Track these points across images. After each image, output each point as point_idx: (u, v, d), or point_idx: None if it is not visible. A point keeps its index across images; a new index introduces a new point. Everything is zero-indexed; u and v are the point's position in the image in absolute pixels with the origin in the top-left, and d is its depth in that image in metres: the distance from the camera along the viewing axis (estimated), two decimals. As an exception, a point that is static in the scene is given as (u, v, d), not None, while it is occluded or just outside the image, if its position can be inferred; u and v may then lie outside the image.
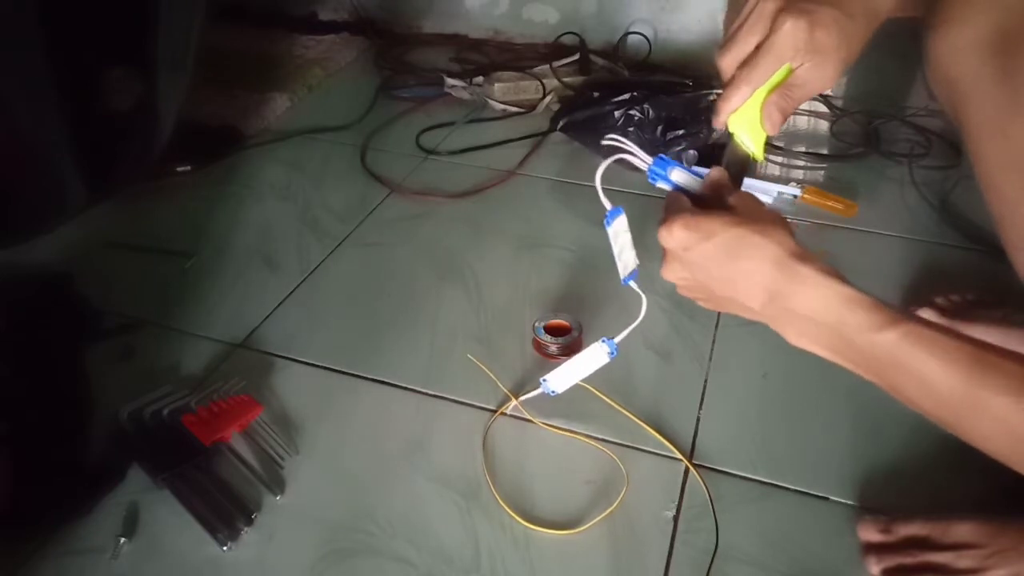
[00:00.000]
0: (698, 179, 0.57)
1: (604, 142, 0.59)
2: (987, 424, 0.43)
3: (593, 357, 0.71)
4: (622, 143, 0.57)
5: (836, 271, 0.48)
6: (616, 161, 0.57)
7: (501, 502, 0.69)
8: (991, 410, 0.42)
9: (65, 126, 0.75)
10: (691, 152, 1.15)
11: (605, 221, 0.60)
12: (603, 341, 0.69)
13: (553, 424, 0.77)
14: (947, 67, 0.47)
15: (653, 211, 1.14)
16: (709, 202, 0.53)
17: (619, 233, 0.61)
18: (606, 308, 0.91)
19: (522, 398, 0.78)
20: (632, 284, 0.63)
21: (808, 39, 0.50)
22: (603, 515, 0.68)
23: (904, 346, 0.44)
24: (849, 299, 0.46)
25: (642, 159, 0.58)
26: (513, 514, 0.68)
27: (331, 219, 1.09)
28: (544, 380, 0.70)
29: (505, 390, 0.80)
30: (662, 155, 0.58)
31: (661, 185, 0.58)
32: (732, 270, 0.49)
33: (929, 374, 0.44)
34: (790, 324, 0.49)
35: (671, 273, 0.54)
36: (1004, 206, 0.47)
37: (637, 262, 0.62)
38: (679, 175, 0.57)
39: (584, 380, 0.74)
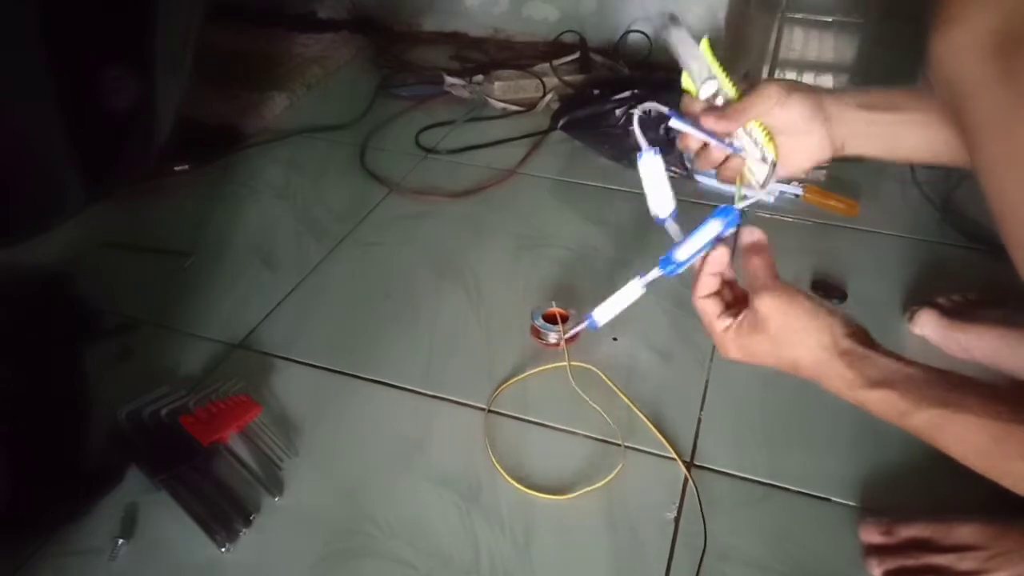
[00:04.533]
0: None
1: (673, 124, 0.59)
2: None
3: (632, 290, 0.66)
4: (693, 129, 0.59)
5: (862, 369, 0.52)
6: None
7: (507, 477, 0.69)
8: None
9: (63, 125, 0.74)
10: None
11: (637, 158, 0.60)
12: (639, 276, 0.63)
13: (553, 424, 0.77)
14: (949, 66, 0.47)
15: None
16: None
17: (652, 174, 0.60)
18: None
19: (568, 334, 0.81)
20: (670, 224, 0.61)
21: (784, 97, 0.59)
22: (603, 515, 0.68)
23: (929, 430, 0.49)
24: (871, 396, 0.51)
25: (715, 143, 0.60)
26: (520, 485, 0.68)
27: (330, 219, 1.09)
28: (589, 316, 0.66)
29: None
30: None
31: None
32: (781, 355, 0.55)
33: (959, 452, 0.49)
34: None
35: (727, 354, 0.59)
36: (1006, 206, 0.47)
37: (674, 205, 0.61)
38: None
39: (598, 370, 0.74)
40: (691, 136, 0.60)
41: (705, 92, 0.60)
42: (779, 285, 0.54)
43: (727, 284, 0.60)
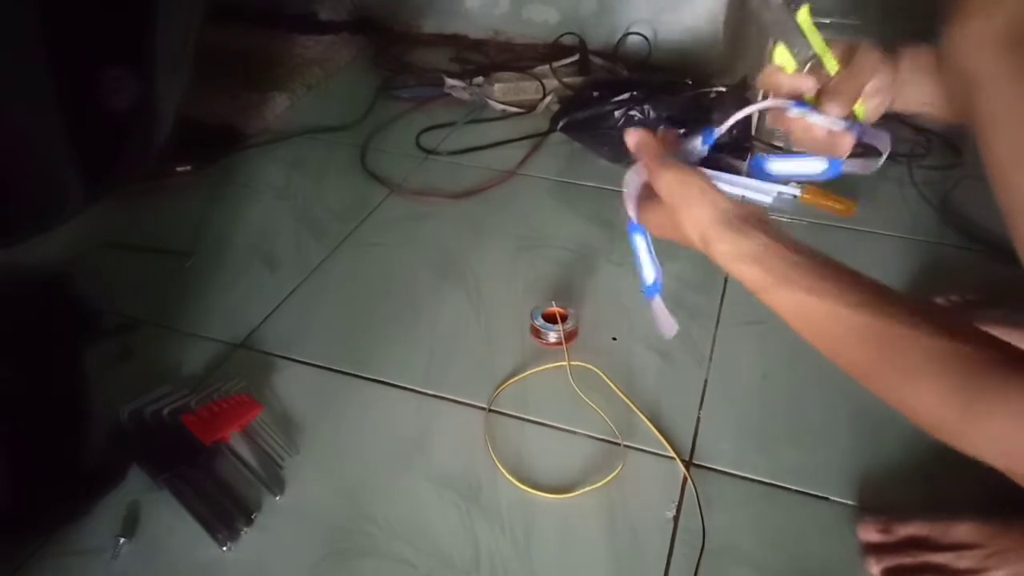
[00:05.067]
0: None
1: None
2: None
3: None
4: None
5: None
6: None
7: (507, 476, 0.69)
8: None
9: (63, 126, 0.74)
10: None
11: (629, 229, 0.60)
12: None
13: (553, 424, 0.77)
14: (962, 59, 0.47)
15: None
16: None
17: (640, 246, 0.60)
18: (605, 306, 0.91)
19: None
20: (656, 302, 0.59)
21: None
22: (603, 514, 0.68)
23: (790, 312, 0.48)
24: (743, 270, 0.50)
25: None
26: (520, 485, 0.68)
27: (331, 219, 1.09)
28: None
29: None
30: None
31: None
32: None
33: (820, 344, 0.47)
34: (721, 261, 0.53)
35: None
36: (1014, 201, 0.47)
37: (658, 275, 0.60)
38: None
39: (598, 369, 0.74)
40: (792, 119, 0.60)
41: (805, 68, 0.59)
42: (674, 163, 0.55)
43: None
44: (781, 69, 0.59)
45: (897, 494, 0.70)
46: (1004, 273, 0.53)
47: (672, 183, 0.53)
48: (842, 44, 0.60)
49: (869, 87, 0.58)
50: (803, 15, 0.57)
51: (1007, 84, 0.45)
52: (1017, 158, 0.46)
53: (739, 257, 0.49)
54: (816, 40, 0.58)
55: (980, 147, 0.48)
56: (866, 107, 0.60)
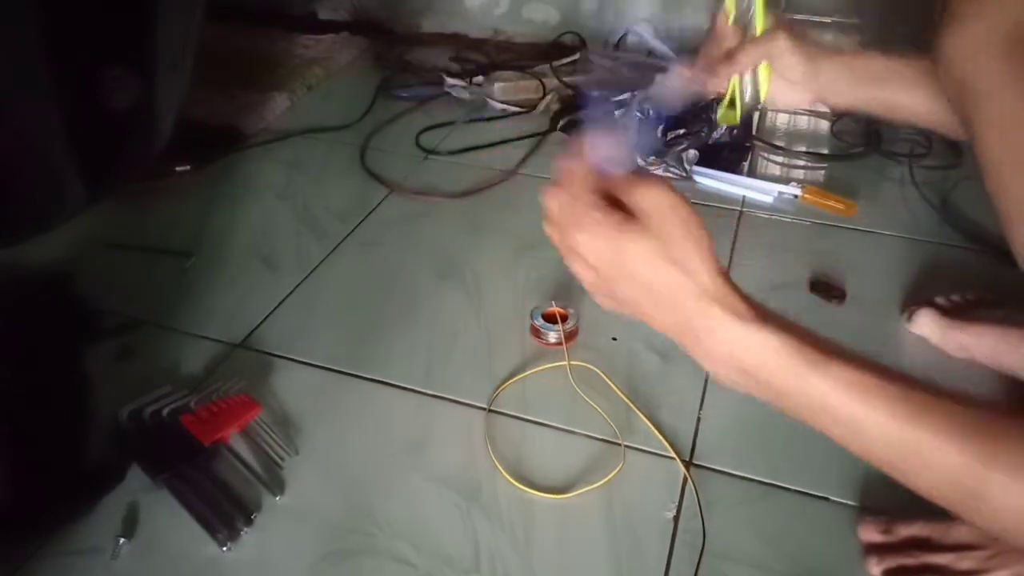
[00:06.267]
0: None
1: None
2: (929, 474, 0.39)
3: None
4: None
5: (752, 305, 0.41)
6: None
7: (507, 476, 0.69)
8: (931, 458, 0.38)
9: (64, 126, 0.74)
10: (692, 152, 1.15)
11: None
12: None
13: (553, 424, 0.77)
14: (958, 65, 0.47)
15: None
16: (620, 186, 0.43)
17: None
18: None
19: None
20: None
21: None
22: (603, 514, 0.68)
23: (835, 395, 0.40)
24: (769, 344, 0.40)
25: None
26: (520, 485, 0.68)
27: (331, 219, 1.09)
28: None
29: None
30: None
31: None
32: (642, 294, 0.42)
33: (864, 422, 0.40)
34: (706, 360, 0.44)
35: (574, 266, 0.46)
36: (1011, 205, 0.47)
37: None
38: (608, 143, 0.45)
39: (598, 369, 0.74)
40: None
41: (738, 19, 0.72)
42: (659, 180, 0.42)
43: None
44: (727, 13, 0.72)
45: (898, 494, 0.69)
46: (1004, 273, 0.53)
47: (669, 203, 0.40)
48: (780, 22, 0.71)
49: (775, 68, 0.71)
50: None
51: (1001, 89, 0.45)
52: (1012, 162, 0.46)
53: (763, 318, 0.40)
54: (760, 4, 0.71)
55: (975, 151, 0.48)
56: (768, 80, 0.72)
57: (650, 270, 0.41)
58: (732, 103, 0.76)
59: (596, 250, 0.43)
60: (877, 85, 0.69)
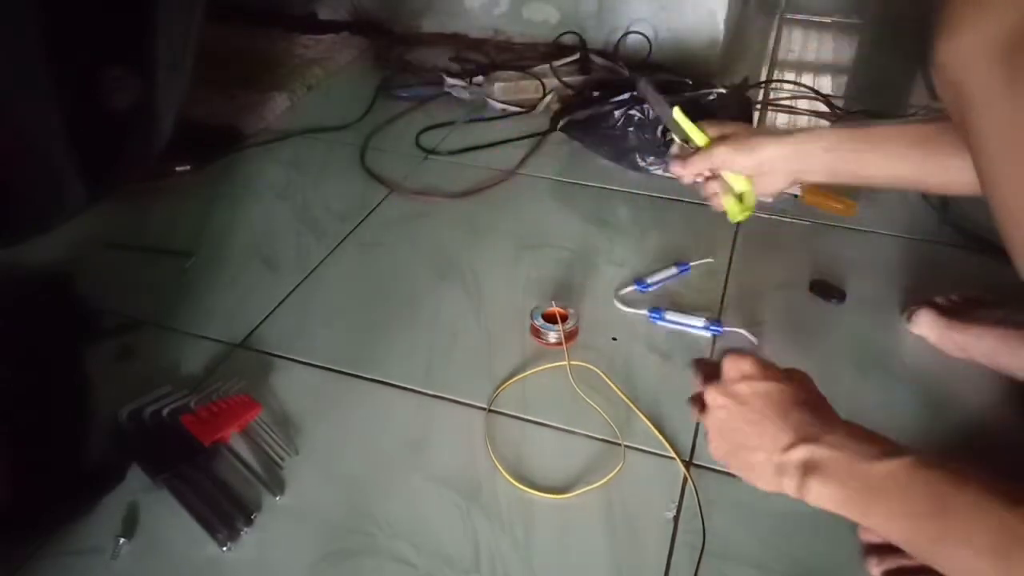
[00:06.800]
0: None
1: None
2: None
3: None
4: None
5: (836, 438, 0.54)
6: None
7: (507, 476, 0.69)
8: None
9: (64, 126, 0.74)
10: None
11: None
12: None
13: (553, 424, 0.77)
14: (955, 72, 0.47)
15: (655, 209, 1.14)
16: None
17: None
18: (605, 306, 0.91)
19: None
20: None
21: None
22: (603, 514, 0.68)
23: (971, 522, 0.45)
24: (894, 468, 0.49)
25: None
26: (520, 485, 0.68)
27: (331, 219, 1.09)
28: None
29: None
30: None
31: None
32: (769, 422, 0.57)
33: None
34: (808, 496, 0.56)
35: (714, 399, 0.60)
36: (1009, 212, 0.47)
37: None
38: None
39: (598, 369, 0.74)
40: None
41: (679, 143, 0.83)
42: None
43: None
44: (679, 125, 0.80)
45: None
46: (1004, 273, 0.52)
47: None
48: (717, 129, 0.79)
49: (743, 166, 0.77)
50: (677, 112, 0.79)
51: (998, 97, 0.45)
52: (1010, 170, 0.46)
53: (890, 452, 0.50)
54: (689, 128, 0.79)
55: (973, 159, 0.48)
56: (745, 182, 0.78)
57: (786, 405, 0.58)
58: (738, 196, 0.80)
59: (754, 371, 0.59)
60: (848, 159, 0.73)
